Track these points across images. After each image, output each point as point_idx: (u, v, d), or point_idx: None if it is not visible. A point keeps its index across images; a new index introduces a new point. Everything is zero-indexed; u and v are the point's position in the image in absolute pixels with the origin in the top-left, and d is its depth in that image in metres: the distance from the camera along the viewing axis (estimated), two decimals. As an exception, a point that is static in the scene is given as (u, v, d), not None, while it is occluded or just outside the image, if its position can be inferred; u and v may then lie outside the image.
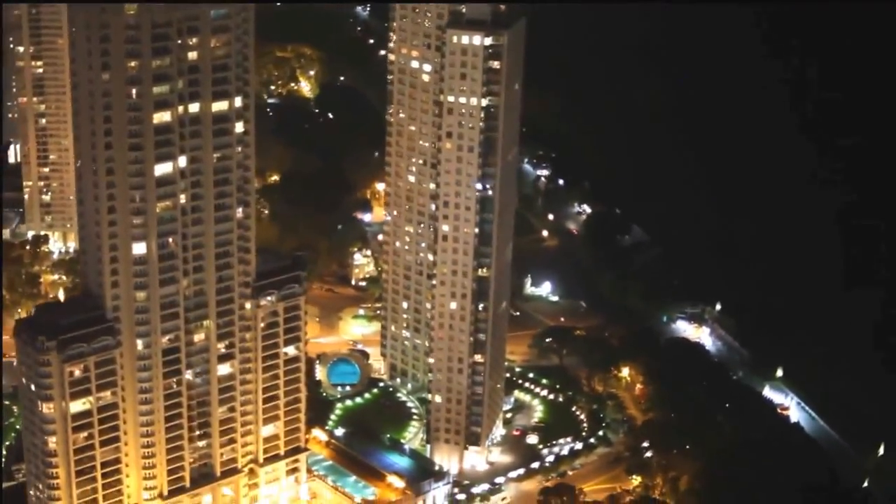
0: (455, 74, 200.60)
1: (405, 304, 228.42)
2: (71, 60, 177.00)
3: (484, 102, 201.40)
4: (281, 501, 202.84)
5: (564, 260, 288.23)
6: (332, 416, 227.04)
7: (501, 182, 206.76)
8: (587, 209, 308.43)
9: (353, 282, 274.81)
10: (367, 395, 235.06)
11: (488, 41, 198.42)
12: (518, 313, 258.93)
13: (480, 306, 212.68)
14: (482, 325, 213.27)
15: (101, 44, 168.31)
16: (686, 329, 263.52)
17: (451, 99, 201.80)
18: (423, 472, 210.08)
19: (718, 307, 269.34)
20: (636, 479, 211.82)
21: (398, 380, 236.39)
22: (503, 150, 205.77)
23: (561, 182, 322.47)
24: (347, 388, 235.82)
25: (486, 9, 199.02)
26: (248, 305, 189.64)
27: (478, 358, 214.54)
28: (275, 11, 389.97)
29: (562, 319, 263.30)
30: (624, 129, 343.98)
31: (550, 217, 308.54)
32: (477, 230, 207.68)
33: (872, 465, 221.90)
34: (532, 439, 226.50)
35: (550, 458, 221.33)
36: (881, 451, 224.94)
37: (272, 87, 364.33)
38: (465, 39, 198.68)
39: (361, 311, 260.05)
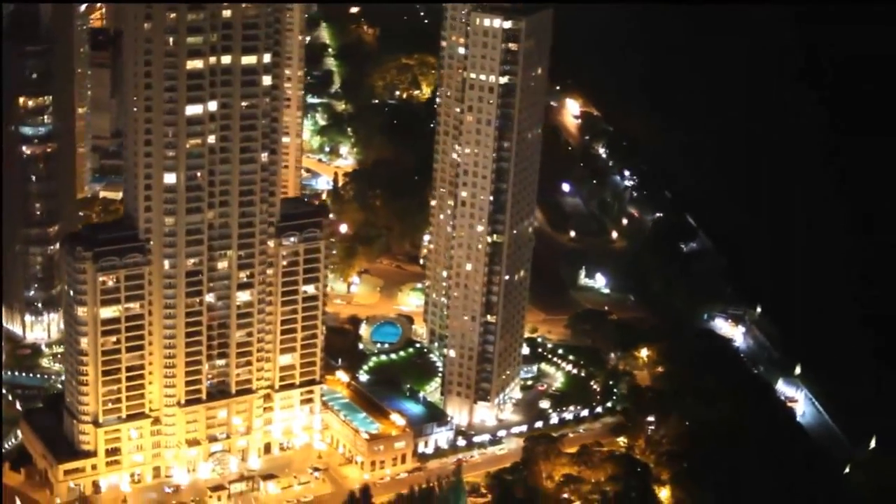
0: (477, 54, 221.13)
1: (444, 273, 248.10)
2: (121, 11, 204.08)
3: (502, 80, 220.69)
4: (294, 427, 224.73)
5: (626, 259, 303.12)
6: (365, 367, 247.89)
7: (517, 156, 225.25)
8: (660, 216, 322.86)
9: (420, 261, 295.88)
10: (402, 353, 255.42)
11: (508, 24, 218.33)
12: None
13: (494, 269, 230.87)
14: (495, 287, 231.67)
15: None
16: (723, 327, 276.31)
17: (472, 76, 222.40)
18: (429, 418, 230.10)
19: (759, 310, 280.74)
20: (622, 441, 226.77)
21: (436, 344, 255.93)
22: (521, 127, 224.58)
23: (644, 192, 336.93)
24: (386, 345, 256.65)
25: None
26: (270, 243, 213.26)
27: (490, 318, 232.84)
28: (407, 27, 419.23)
29: (605, 308, 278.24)
30: (717, 145, 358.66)
31: (625, 222, 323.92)
32: (492, 198, 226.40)
33: (861, 456, 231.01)
34: (544, 404, 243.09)
35: (555, 421, 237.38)
36: (872, 443, 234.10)
37: (395, 92, 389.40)
38: (486, 22, 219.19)
39: (419, 286, 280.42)
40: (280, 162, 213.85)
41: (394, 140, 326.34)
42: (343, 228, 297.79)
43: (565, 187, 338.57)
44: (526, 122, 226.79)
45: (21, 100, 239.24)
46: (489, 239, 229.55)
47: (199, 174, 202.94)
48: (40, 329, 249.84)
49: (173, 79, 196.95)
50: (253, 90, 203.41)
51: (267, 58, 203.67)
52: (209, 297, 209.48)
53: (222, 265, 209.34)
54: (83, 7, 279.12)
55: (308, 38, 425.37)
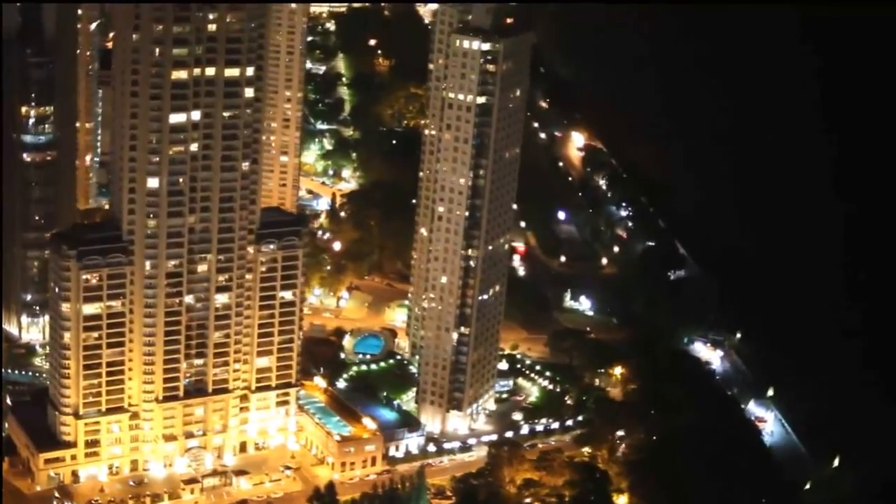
0: (456, 74, 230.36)
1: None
2: (112, 21, 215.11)
3: (480, 100, 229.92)
4: (269, 428, 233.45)
5: (613, 284, 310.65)
6: (345, 375, 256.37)
7: (494, 174, 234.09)
8: (650, 244, 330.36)
9: (410, 279, 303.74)
10: (382, 364, 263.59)
11: (486, 46, 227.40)
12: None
13: (469, 283, 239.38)
14: (469, 300, 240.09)
15: (134, 9, 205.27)
16: (701, 350, 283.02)
17: (451, 95, 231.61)
18: (401, 424, 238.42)
19: (738, 335, 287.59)
20: (586, 450, 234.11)
21: (416, 356, 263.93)
22: (498, 146, 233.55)
23: (638, 221, 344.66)
24: (368, 356, 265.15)
25: (487, 19, 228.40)
26: (250, 249, 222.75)
27: (463, 330, 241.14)
28: (420, 59, 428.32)
29: (587, 329, 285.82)
30: (719, 174, 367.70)
31: (616, 249, 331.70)
32: (468, 214, 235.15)
33: (822, 474, 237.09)
34: (517, 416, 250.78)
35: (525, 432, 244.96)
36: (836, 462, 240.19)
37: (403, 121, 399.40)
38: (465, 44, 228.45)
39: (406, 302, 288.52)
40: (260, 171, 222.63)
41: (393, 163, 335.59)
42: (337, 246, 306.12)
43: (561, 215, 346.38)
44: (503, 141, 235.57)
45: (23, 109, 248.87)
46: (464, 253, 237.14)
47: (181, 180, 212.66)
48: (36, 330, 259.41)
49: (159, 87, 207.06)
50: (235, 101, 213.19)
51: (250, 71, 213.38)
52: (188, 299, 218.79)
53: (202, 268, 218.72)
54: (94, 26, 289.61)
55: (325, 68, 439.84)
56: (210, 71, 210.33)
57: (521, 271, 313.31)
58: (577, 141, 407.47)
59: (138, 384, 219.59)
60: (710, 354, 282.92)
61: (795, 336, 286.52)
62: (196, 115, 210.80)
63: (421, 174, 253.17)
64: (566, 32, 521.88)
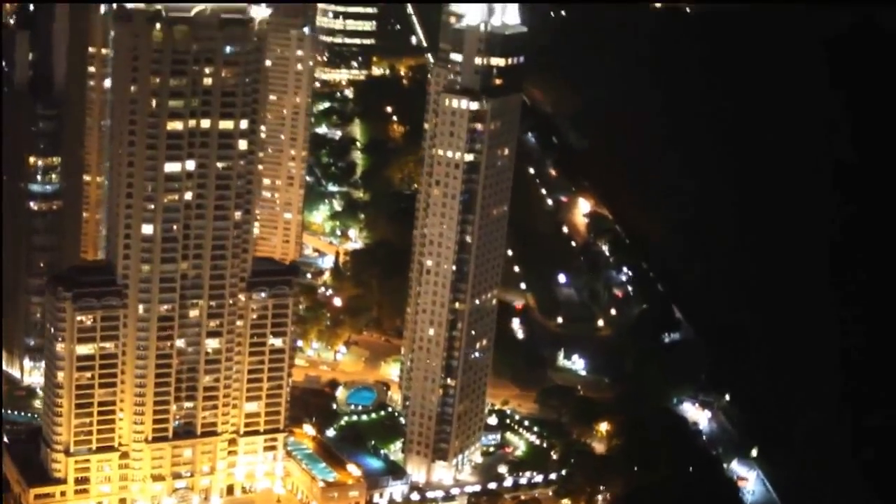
0: (444, 132, 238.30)
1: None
2: (112, 74, 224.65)
3: (468, 158, 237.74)
4: (256, 472, 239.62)
5: (608, 345, 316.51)
6: (335, 425, 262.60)
7: (481, 230, 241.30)
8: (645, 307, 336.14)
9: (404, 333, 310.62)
10: (373, 415, 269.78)
11: (474, 106, 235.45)
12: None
13: (456, 336, 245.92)
14: (456, 352, 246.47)
15: (132, 62, 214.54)
16: (689, 410, 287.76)
17: (440, 152, 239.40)
18: (387, 472, 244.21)
19: (728, 397, 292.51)
20: (565, 502, 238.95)
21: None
22: (485, 203, 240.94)
23: (638, 286, 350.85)
24: (360, 407, 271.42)
25: (476, 80, 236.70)
26: (241, 296, 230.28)
27: (450, 381, 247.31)
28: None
29: (577, 387, 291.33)
30: (722, 243, 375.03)
31: (613, 312, 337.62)
32: (455, 268, 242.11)
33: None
34: (502, 468, 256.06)
35: (509, 484, 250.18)
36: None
37: (413, 185, 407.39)
38: (454, 103, 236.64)
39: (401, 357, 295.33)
40: (253, 221, 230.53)
41: (398, 224, 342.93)
42: (337, 302, 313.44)
43: (562, 278, 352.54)
44: (491, 198, 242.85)
45: (31, 159, 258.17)
46: (451, 306, 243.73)
47: (175, 227, 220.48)
48: (38, 373, 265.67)
49: (155, 137, 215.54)
50: (229, 152, 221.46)
51: (244, 123, 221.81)
52: (180, 342, 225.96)
53: (193, 313, 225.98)
54: (107, 81, 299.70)
55: (340, 133, 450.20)
56: (205, 123, 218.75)
57: (520, 333, 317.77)
58: (583, 207, 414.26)
59: (129, 424, 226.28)
60: (698, 414, 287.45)
61: (785, 401, 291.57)
62: (191, 165, 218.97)
63: (415, 231, 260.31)
64: (580, 103, 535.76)
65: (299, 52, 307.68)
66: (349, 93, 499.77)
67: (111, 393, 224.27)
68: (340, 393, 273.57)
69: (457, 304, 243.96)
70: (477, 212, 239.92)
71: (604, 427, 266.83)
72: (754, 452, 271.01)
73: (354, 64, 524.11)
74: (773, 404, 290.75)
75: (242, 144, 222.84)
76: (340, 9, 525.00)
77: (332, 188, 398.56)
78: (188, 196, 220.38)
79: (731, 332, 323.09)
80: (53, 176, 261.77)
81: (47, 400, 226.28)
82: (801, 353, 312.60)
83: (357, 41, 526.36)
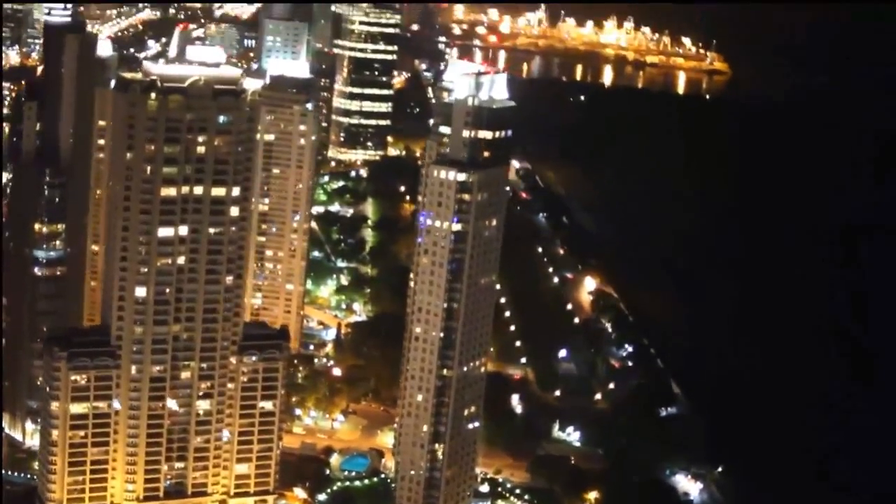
0: (433, 202, 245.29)
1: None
2: (110, 141, 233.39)
3: (456, 227, 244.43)
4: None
5: (604, 418, 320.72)
6: (327, 490, 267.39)
7: (468, 298, 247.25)
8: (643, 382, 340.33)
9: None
10: (366, 482, 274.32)
11: (461, 177, 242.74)
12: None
13: (444, 401, 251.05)
14: (443, 418, 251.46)
15: (128, 129, 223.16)
16: (681, 481, 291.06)
17: (429, 222, 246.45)
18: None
19: (720, 469, 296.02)
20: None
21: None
22: (472, 271, 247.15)
23: (638, 362, 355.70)
24: (353, 474, 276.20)
25: (464, 152, 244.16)
26: (232, 359, 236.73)
27: (437, 447, 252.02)
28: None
29: (570, 458, 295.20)
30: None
31: (611, 386, 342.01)
32: (442, 335, 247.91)
33: None
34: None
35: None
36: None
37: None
38: (442, 174, 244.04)
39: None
40: (244, 286, 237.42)
41: (401, 297, 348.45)
42: (337, 371, 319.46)
43: (562, 353, 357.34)
44: (478, 267, 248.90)
45: (36, 226, 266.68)
46: (439, 373, 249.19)
47: (167, 290, 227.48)
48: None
49: (149, 203, 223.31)
50: (221, 219, 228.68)
51: (236, 191, 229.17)
52: (171, 403, 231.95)
53: (185, 375, 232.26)
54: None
55: (352, 211, 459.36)
56: (198, 189, 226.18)
57: (518, 407, 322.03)
58: (588, 285, 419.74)
59: (121, 483, 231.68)
60: (689, 486, 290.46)
61: (777, 475, 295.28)
62: (183, 231, 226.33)
63: (408, 300, 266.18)
64: (591, 188, 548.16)
65: (302, 127, 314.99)
66: (364, 172, 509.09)
67: (104, 452, 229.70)
68: (334, 459, 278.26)
69: (445, 371, 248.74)
70: (464, 280, 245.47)
71: (593, 496, 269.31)
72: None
73: (370, 144, 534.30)
74: (766, 477, 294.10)
75: (234, 211, 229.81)
76: (357, 90, 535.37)
77: (341, 264, 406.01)
78: (181, 260, 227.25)
79: (727, 406, 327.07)
80: (58, 243, 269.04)
81: (42, 458, 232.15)
82: (798, 432, 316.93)
83: (373, 122, 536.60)
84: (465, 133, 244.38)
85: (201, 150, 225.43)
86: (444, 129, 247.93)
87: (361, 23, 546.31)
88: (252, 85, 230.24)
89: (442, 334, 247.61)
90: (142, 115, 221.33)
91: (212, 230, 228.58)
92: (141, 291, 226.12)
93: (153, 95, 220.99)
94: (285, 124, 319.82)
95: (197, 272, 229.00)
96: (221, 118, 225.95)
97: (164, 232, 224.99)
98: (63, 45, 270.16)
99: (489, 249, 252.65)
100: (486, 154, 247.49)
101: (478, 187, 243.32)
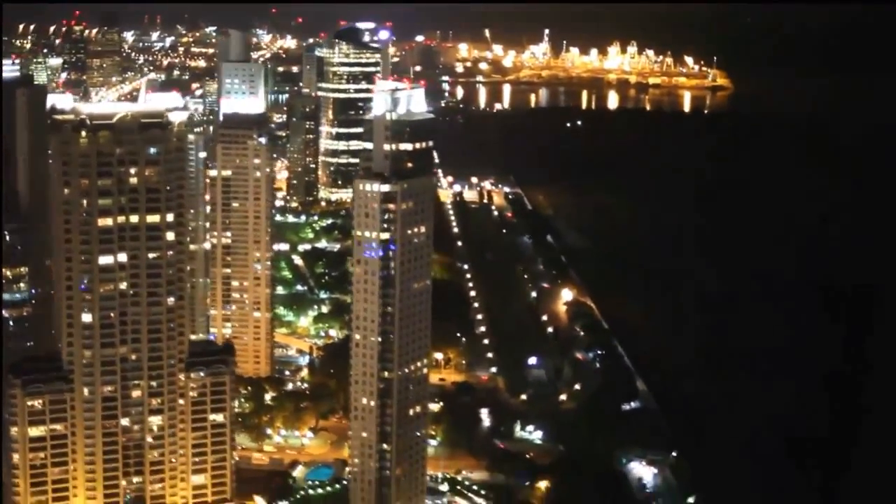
0: (361, 213, 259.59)
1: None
2: (48, 178, 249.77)
3: (384, 236, 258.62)
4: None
5: (567, 417, 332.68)
6: (290, 499, 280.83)
7: (402, 303, 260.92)
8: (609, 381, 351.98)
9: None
10: (328, 489, 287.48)
11: (385, 188, 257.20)
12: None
13: (387, 403, 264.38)
14: (388, 418, 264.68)
15: (63, 167, 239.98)
16: (636, 468, 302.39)
17: (359, 233, 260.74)
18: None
19: (674, 454, 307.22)
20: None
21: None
22: (404, 278, 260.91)
23: (606, 364, 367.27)
24: (317, 482, 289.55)
25: (386, 164, 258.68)
26: (181, 376, 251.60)
27: (385, 446, 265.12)
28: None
29: (529, 454, 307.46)
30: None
31: (577, 386, 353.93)
32: (380, 339, 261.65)
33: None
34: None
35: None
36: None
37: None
38: (367, 186, 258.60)
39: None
40: (186, 306, 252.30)
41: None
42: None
43: (532, 360, 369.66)
44: (409, 273, 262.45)
45: (1, 269, 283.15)
46: (381, 375, 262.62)
47: (112, 314, 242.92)
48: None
49: (88, 234, 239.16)
50: (158, 244, 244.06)
51: (170, 217, 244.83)
52: (124, 421, 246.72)
53: (136, 393, 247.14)
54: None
55: (339, 247, 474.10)
56: (134, 218, 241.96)
57: (485, 413, 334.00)
58: (565, 296, 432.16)
59: (82, 500, 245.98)
60: (644, 471, 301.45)
61: (729, 457, 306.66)
62: (123, 257, 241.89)
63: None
64: (580, 207, 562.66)
65: (256, 161, 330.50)
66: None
67: (63, 472, 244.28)
68: (299, 471, 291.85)
69: (385, 374, 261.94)
70: (397, 286, 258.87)
71: (544, 485, 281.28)
72: (691, 500, 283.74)
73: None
74: (721, 459, 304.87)
75: (170, 236, 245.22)
76: (343, 130, 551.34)
77: (323, 295, 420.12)
78: (123, 286, 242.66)
79: (689, 400, 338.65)
80: (22, 284, 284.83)
81: (5, 481, 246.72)
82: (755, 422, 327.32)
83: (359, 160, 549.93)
84: (387, 146, 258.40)
85: (133, 180, 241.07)
86: (367, 145, 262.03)
87: (341, 64, 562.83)
88: (177, 117, 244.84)
89: (380, 339, 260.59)
90: (74, 152, 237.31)
91: (150, 255, 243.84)
92: (87, 317, 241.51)
93: (83, 133, 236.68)
94: (241, 159, 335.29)
95: (139, 295, 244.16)
96: (151, 150, 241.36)
97: (105, 260, 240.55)
98: (14, 98, 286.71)
99: (420, 255, 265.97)
100: (408, 165, 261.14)
101: (401, 197, 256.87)
